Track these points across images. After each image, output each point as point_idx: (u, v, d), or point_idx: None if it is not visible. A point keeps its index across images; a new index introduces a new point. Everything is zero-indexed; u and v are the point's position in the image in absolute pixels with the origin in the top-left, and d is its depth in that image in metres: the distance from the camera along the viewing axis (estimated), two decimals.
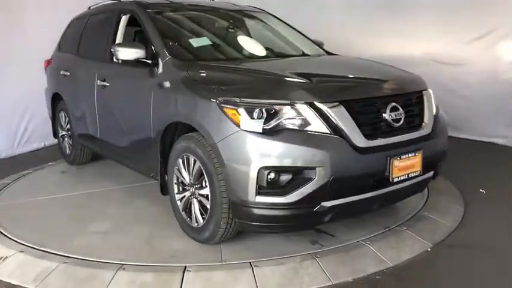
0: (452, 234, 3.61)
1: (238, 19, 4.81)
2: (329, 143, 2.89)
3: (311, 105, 2.93)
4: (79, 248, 3.41)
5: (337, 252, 3.25)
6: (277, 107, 2.92)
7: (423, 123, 3.38)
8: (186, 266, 3.08)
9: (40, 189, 4.78)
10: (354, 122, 2.97)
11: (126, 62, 3.90)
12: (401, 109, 3.20)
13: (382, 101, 3.15)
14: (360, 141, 2.97)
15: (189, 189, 3.41)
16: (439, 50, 6.34)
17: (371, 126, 3.08)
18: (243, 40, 4.43)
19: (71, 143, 5.59)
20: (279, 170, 2.86)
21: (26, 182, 5.12)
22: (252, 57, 4.20)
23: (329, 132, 2.92)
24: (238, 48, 4.30)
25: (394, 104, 3.17)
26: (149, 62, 3.77)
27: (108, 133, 4.56)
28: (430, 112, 3.45)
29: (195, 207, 3.37)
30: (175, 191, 3.55)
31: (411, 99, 3.38)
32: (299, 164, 2.85)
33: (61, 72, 5.44)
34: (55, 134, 5.99)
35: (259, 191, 2.89)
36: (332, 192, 2.92)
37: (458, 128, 6.13)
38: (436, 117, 3.52)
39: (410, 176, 3.19)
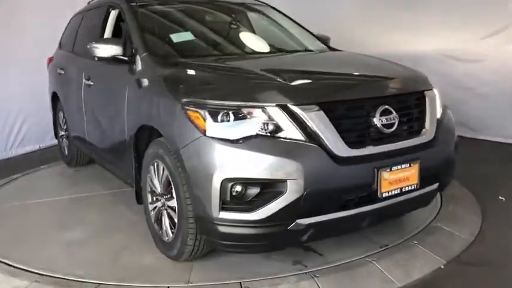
0: (468, 248, 3.23)
1: (234, 12, 4.45)
2: (303, 152, 2.51)
3: (284, 108, 2.56)
4: (49, 260, 3.21)
5: (338, 271, 2.92)
6: (245, 110, 2.56)
7: (423, 129, 2.93)
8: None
9: (27, 194, 4.58)
10: (335, 128, 2.58)
11: (108, 60, 3.61)
12: (394, 113, 2.77)
13: (372, 103, 2.74)
14: (341, 150, 2.57)
15: (160, 200, 3.09)
16: (453, 46, 5.94)
17: (356, 132, 2.67)
18: (234, 35, 4.08)
19: (68, 144, 5.40)
20: (244, 182, 2.50)
21: (15, 187, 4.94)
22: (240, 53, 3.84)
23: (304, 139, 2.54)
24: (227, 43, 3.97)
25: (385, 106, 2.75)
26: (126, 59, 3.48)
27: (94, 135, 4.31)
28: (432, 116, 3.00)
29: (165, 219, 3.06)
30: (149, 200, 3.24)
31: (409, 101, 2.94)
32: (267, 176, 2.48)
33: (57, 71, 5.25)
34: (56, 135, 5.83)
35: (223, 205, 2.54)
36: (308, 208, 2.54)
37: (474, 129, 5.79)
38: (440, 122, 3.06)
39: (404, 190, 2.76)
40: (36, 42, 5.64)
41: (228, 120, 2.54)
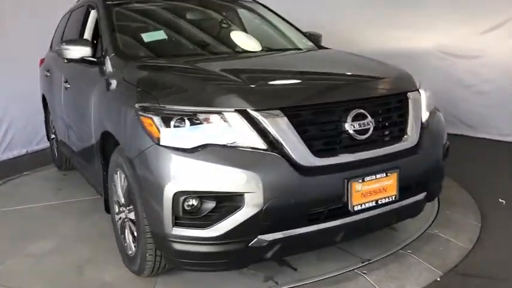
0: (466, 258, 3.01)
1: (217, 9, 4.22)
2: (263, 163, 2.28)
3: (243, 113, 2.32)
4: (7, 273, 3.06)
5: (321, 286, 2.73)
6: (201, 116, 2.33)
7: (405, 135, 2.66)
8: None
9: (6, 201, 4.42)
10: (300, 135, 2.34)
11: (79, 61, 3.42)
12: (370, 117, 2.51)
13: (343, 107, 2.49)
14: (306, 159, 2.33)
15: (124, 211, 2.89)
16: (452, 41, 5.69)
17: (324, 140, 2.43)
18: (215, 34, 3.85)
19: (57, 147, 5.26)
20: (199, 196, 2.28)
21: None
22: (217, 53, 3.60)
23: (265, 148, 2.31)
24: (205, 42, 3.72)
25: (359, 110, 2.49)
26: (95, 60, 3.29)
27: (72, 140, 4.14)
28: (416, 120, 2.73)
29: (128, 232, 2.86)
30: (116, 210, 3.05)
31: (388, 103, 2.68)
32: (223, 189, 2.25)
33: (45, 73, 5.12)
34: (48, 137, 5.71)
35: (177, 221, 2.32)
36: (271, 223, 2.31)
37: (474, 127, 5.58)
38: (426, 126, 2.79)
39: (381, 202, 2.50)
40: (24, 44, 5.48)
41: (182, 127, 2.32)
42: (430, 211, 3.57)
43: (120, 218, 2.96)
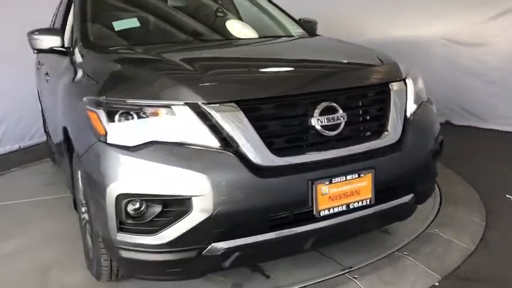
0: (468, 260, 2.79)
1: None
2: (214, 163, 2.04)
3: (194, 107, 2.08)
4: None
5: None
6: (148, 110, 2.10)
7: (384, 131, 2.37)
8: None
9: None
10: (257, 132, 2.08)
11: (53, 52, 3.25)
12: (341, 111, 2.23)
13: (309, 100, 2.22)
14: (264, 158, 2.08)
15: (84, 211, 2.71)
16: (458, 28, 5.36)
17: (286, 137, 2.17)
18: (195, 21, 3.59)
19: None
20: (143, 199, 2.06)
21: None
22: (192, 41, 3.36)
23: (217, 146, 2.06)
24: (183, 30, 3.48)
25: (327, 103, 2.21)
26: (64, 50, 3.11)
27: (51, 134, 3.99)
28: (399, 114, 2.43)
29: (87, 234, 2.67)
30: (82, 209, 2.87)
31: (364, 96, 2.39)
32: (168, 192, 2.03)
33: (37, 66, 4.99)
34: (45, 130, 5.61)
35: (121, 226, 2.11)
36: (225, 229, 2.08)
37: (482, 118, 5.29)
38: (412, 120, 2.49)
39: (353, 206, 2.23)
40: (18, 38, 5.34)
41: (127, 123, 2.10)
42: (430, 208, 3.33)
43: (83, 218, 2.78)
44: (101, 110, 2.15)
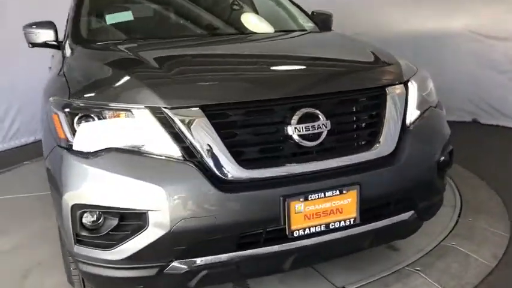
0: (488, 278, 2.53)
1: None
2: (172, 174, 1.85)
3: (156, 111, 1.89)
4: None
5: None
6: (107, 114, 1.93)
7: (377, 142, 2.10)
8: None
9: None
10: (223, 141, 1.87)
11: (47, 46, 3.15)
12: (323, 118, 1.98)
13: (286, 106, 1.98)
14: (229, 171, 1.87)
15: None
16: (485, 21, 4.91)
17: (258, 147, 1.94)
18: (192, 15, 3.39)
19: None
20: (99, 211, 1.89)
21: None
22: (185, 35, 3.16)
23: (178, 156, 1.87)
24: (181, 24, 3.30)
25: (307, 110, 1.97)
26: (56, 44, 3.01)
27: None
28: (394, 122, 2.15)
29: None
30: None
31: (353, 101, 2.13)
32: (123, 204, 1.85)
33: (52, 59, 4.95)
34: None
35: (78, 238, 1.95)
36: (186, 247, 1.89)
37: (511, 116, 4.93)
38: (411, 129, 2.20)
39: (334, 226, 1.98)
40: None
41: (86, 127, 1.94)
42: (448, 218, 3.10)
43: None
44: (61, 112, 2.00)
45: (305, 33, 3.22)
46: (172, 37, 3.05)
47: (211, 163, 1.86)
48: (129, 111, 1.91)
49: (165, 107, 1.88)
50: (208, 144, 1.86)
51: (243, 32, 3.26)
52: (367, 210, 2.05)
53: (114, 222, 1.89)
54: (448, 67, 4.61)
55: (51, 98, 2.14)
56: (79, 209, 1.90)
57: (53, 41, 3.04)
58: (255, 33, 3.28)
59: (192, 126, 1.86)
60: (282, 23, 3.41)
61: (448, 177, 3.83)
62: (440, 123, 2.39)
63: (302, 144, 1.95)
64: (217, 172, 1.86)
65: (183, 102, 1.90)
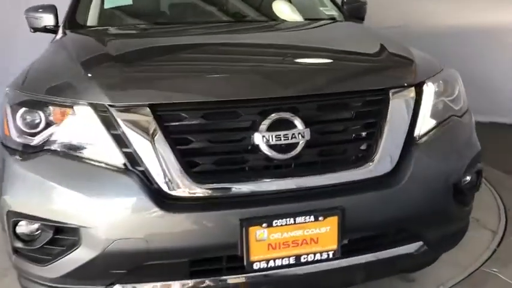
0: None
1: None
2: (109, 187, 1.57)
3: (98, 109, 1.61)
4: None
5: None
6: (49, 110, 1.68)
7: (371, 158, 1.70)
8: None
9: None
10: (171, 148, 1.56)
11: (47, 31, 2.99)
12: (301, 126, 1.61)
13: (255, 109, 1.62)
14: (178, 185, 1.55)
15: None
16: None
17: (215, 157, 1.61)
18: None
19: None
20: (32, 221, 1.65)
21: None
22: (183, 22, 2.87)
23: (121, 164, 1.58)
24: (180, 9, 3.00)
25: (280, 115, 1.60)
26: (54, 29, 2.83)
27: None
28: (397, 133, 1.73)
29: None
30: None
31: (342, 106, 1.73)
32: (53, 217, 1.60)
33: None
34: None
35: (15, 248, 1.73)
36: (127, 271, 1.61)
37: None
38: (421, 143, 1.78)
39: (305, 260, 1.62)
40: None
41: (27, 123, 1.70)
42: (490, 239, 2.73)
43: None
44: (8, 105, 1.77)
45: (307, 23, 2.81)
46: (172, 23, 2.77)
47: (156, 175, 1.55)
48: (71, 107, 1.64)
49: (109, 105, 1.60)
50: (154, 152, 1.55)
51: (239, 20, 2.93)
52: (354, 242, 1.67)
53: (49, 235, 1.64)
54: (498, 66, 4.07)
55: (6, 88, 1.92)
56: (13, 216, 1.67)
57: (52, 25, 2.86)
58: (249, 21, 2.93)
59: (137, 129, 1.56)
60: (311, 10, 3.02)
61: (492, 189, 3.35)
62: (464, 136, 1.94)
63: (271, 156, 1.60)
64: (163, 186, 1.55)
65: (129, 100, 1.60)
